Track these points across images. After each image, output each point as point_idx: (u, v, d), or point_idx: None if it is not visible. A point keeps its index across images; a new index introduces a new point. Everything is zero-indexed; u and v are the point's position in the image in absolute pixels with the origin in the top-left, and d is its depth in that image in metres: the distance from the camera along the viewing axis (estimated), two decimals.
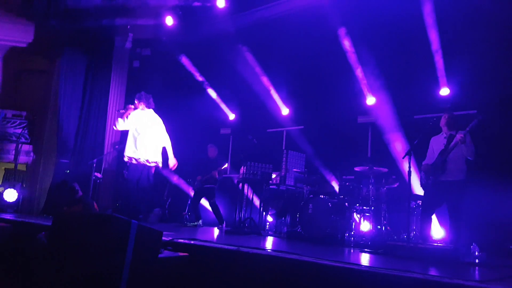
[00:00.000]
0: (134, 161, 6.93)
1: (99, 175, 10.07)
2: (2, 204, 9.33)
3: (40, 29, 12.10)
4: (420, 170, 6.41)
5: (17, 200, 9.56)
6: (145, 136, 7.02)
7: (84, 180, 8.93)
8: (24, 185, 10.78)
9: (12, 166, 10.98)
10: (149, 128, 7.13)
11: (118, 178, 10.84)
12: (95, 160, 9.21)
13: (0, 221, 6.17)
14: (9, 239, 5.38)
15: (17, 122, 12.23)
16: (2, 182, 11.27)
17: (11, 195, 9.48)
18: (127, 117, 7.05)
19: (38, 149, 11.74)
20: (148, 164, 7.00)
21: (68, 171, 10.06)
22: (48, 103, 11.87)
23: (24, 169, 12.08)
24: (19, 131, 11.82)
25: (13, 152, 11.10)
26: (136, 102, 7.22)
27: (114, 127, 7.28)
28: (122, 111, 7.24)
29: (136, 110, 7.17)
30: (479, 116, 5.73)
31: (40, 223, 5.75)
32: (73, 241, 3.49)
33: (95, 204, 7.77)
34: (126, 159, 7.02)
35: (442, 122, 6.23)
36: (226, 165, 9.33)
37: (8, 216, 7.12)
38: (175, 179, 10.65)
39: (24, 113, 12.39)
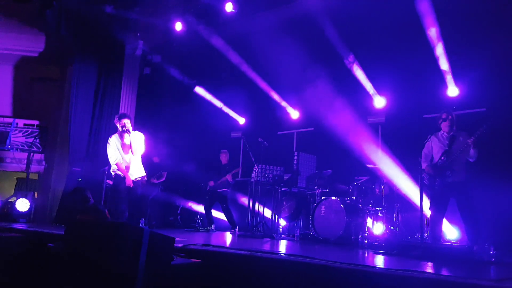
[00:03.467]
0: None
1: (110, 182, 10.09)
2: (15, 214, 9.32)
3: (51, 38, 12.19)
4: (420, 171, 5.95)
5: (29, 209, 9.52)
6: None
7: (96, 187, 8.96)
8: (36, 195, 10.82)
9: (24, 175, 11.04)
10: None
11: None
12: (106, 168, 9.22)
13: (12, 231, 6.18)
14: (21, 249, 5.39)
15: (29, 131, 12.34)
16: (14, 192, 11.33)
17: (23, 204, 9.45)
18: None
19: (50, 157, 11.82)
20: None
21: (80, 179, 10.08)
22: (60, 112, 11.95)
23: (36, 178, 12.17)
24: (31, 140, 11.91)
25: (25, 161, 11.16)
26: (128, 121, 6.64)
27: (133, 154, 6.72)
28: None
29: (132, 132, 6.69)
30: (488, 120, 5.56)
31: (52, 232, 5.77)
32: (86, 250, 3.50)
33: (106, 212, 7.79)
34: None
35: (443, 121, 5.97)
36: (238, 169, 9.32)
37: (20, 226, 7.13)
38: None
39: (36, 122, 12.49)
